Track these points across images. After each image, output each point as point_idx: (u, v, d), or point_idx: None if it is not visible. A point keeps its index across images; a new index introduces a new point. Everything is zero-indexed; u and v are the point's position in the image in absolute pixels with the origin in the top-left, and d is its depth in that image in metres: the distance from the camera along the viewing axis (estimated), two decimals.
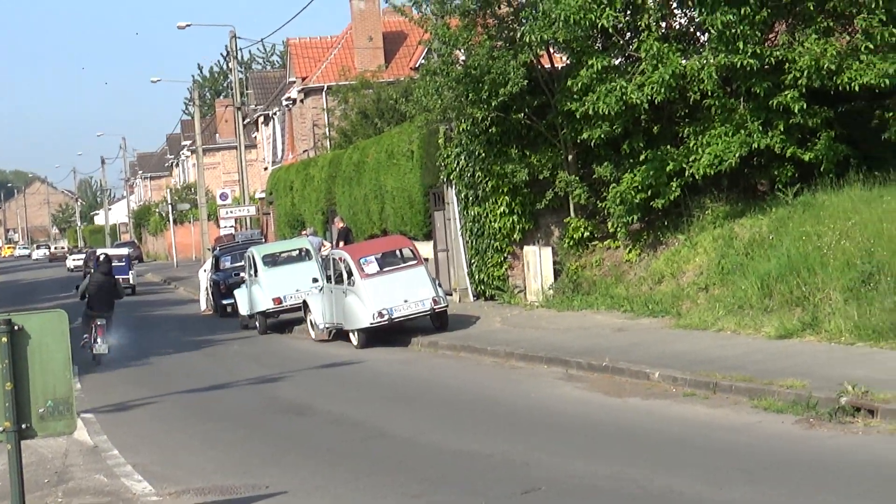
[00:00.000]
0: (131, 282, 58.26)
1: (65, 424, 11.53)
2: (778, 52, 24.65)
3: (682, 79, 25.19)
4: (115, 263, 35.99)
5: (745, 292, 22.13)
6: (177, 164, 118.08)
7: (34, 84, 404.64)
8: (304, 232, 43.06)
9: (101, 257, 31.30)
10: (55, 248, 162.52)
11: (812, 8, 24.52)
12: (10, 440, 11.22)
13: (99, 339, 27.39)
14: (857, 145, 25.51)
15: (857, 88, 24.00)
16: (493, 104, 28.40)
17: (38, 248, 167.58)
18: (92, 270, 31.55)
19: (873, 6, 23.78)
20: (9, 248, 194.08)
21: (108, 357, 27.72)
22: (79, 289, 28.71)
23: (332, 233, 41.70)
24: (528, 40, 26.88)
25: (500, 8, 29.62)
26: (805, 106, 24.43)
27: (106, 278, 28.78)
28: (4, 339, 11.19)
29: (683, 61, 25.28)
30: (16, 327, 11.28)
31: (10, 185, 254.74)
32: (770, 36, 25.96)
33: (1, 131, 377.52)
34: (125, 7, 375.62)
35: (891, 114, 24.82)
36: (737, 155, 24.69)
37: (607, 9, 25.50)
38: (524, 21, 27.97)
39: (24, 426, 11.26)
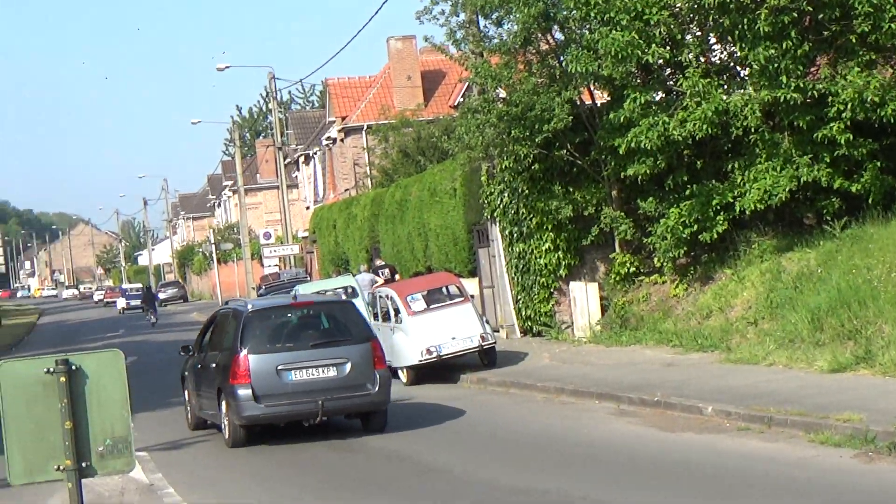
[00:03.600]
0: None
1: (123, 462, 11.58)
2: (821, 86, 24.60)
3: (724, 114, 25.18)
4: None
5: (796, 326, 22.04)
6: (219, 205, 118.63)
7: (76, 128, 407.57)
8: (362, 267, 43.06)
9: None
10: (84, 288, 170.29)
11: (854, 41, 24.46)
12: (70, 479, 11.28)
13: None
14: None
15: None
16: (536, 141, 28.44)
17: (67, 288, 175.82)
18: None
19: None
20: (38, 290, 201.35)
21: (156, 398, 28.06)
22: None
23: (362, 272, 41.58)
24: (572, 70, 26.90)
25: (541, 45, 29.70)
26: (851, 138, 24.37)
27: None
28: (63, 379, 11.27)
29: (725, 97, 25.27)
30: (73, 367, 11.36)
31: (54, 227, 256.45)
32: (812, 69, 25.92)
33: (44, 175, 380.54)
34: (165, 50, 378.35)
35: None
36: (786, 189, 24.64)
37: (653, 45, 25.56)
38: (566, 57, 28.02)
39: (83, 465, 11.32)
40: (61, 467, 11.25)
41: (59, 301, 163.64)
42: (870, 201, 24.79)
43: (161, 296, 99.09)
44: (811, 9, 24.37)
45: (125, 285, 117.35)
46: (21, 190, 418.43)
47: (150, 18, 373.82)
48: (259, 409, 19.84)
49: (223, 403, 20.47)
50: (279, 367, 20.09)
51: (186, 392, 23.55)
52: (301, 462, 18.78)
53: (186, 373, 23.56)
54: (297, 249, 63.67)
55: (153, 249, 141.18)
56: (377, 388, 20.39)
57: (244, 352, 20.05)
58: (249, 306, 21.57)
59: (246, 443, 20.32)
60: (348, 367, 20.32)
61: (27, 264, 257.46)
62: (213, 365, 21.34)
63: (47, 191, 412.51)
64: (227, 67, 63.89)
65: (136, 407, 23.68)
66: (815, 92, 24.60)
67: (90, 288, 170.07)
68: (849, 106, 23.98)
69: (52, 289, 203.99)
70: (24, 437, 11.20)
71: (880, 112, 24.01)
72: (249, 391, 19.83)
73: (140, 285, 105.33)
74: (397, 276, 37.64)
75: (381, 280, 36.44)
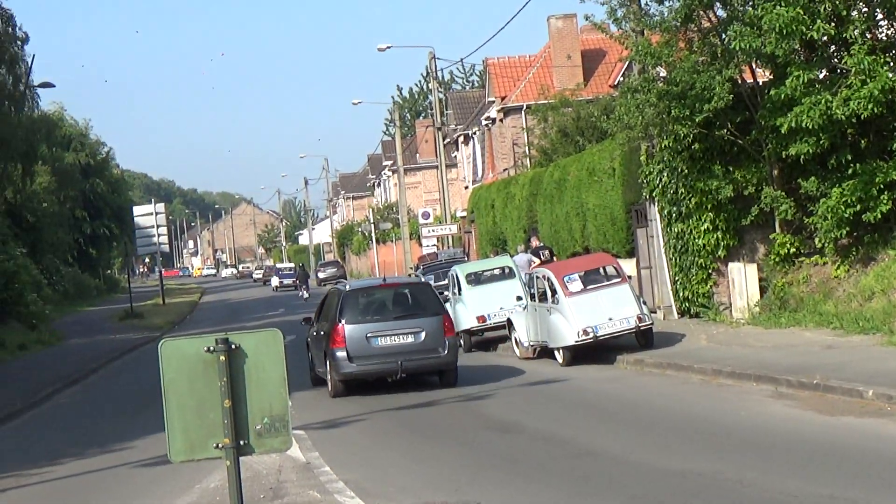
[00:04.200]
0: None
1: (281, 441, 11.72)
2: None
3: (891, 93, 24.65)
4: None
5: None
6: (378, 184, 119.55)
7: (240, 110, 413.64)
8: (520, 248, 43.11)
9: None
10: (242, 267, 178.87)
11: None
12: (228, 456, 11.46)
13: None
14: None
15: None
16: (696, 120, 28.15)
17: (226, 267, 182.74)
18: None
19: None
20: (198, 269, 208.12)
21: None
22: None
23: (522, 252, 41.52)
24: (734, 47, 26.55)
25: (703, 22, 29.37)
26: None
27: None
28: (223, 358, 11.43)
29: (891, 75, 24.73)
30: (233, 346, 11.52)
31: (217, 206, 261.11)
32: None
33: (208, 155, 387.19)
34: (328, 29, 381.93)
35: None
36: None
37: (818, 20, 25.12)
38: (727, 34, 27.69)
39: (241, 443, 11.48)
40: (220, 445, 11.42)
41: (219, 280, 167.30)
42: None
43: (320, 275, 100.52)
44: None
45: (279, 265, 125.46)
46: (185, 169, 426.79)
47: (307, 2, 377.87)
48: (352, 367, 25.14)
49: (327, 363, 25.66)
50: (368, 335, 25.31)
51: (309, 355, 28.51)
52: (460, 442, 18.87)
53: (309, 340, 28.69)
54: (455, 229, 63.92)
55: (313, 229, 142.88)
56: (447, 352, 25.45)
57: (342, 322, 25.38)
58: (347, 287, 27.07)
59: (345, 394, 25.38)
60: (423, 335, 25.46)
61: (190, 243, 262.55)
62: (322, 333, 26.54)
63: (211, 170, 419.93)
64: (388, 47, 64.21)
65: (293, 386, 24.13)
66: None
67: (248, 267, 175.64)
68: None
69: (212, 268, 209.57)
70: (185, 414, 11.39)
71: None
72: (345, 353, 25.12)
73: (292, 264, 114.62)
74: (554, 258, 37.55)
75: (538, 261, 36.42)
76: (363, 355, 25.13)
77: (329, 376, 25.73)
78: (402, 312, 26.22)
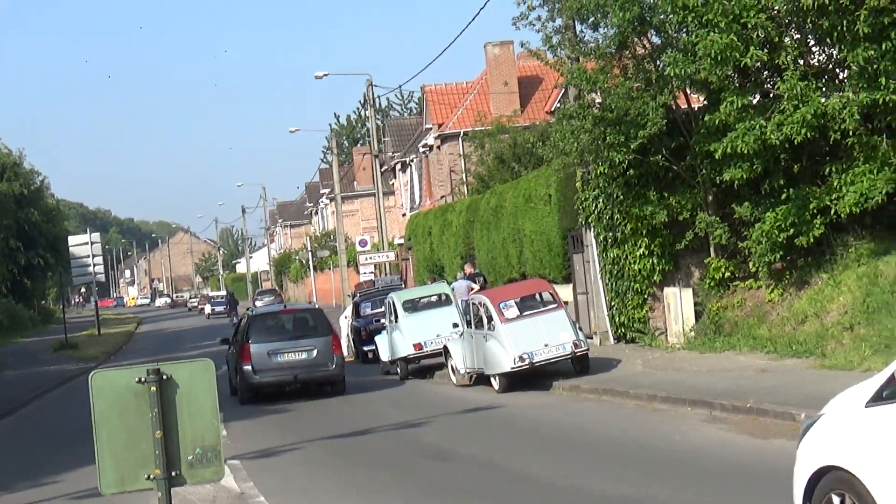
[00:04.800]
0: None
1: (213, 471, 11.63)
2: None
3: (822, 118, 24.86)
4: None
5: (892, 331, 21.74)
6: (316, 212, 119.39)
7: (176, 137, 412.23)
8: (459, 274, 43.14)
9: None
10: (176, 296, 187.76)
11: None
12: (160, 488, 11.36)
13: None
14: None
15: None
16: (631, 146, 28.29)
17: (160, 296, 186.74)
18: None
19: None
20: (132, 299, 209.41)
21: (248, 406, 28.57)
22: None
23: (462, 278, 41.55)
24: (669, 73, 26.72)
25: (637, 49, 29.54)
26: None
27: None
28: (154, 389, 11.34)
29: (823, 100, 24.96)
30: (164, 377, 11.44)
31: (154, 235, 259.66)
32: None
33: (145, 184, 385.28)
34: (263, 62, 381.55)
35: None
36: (882, 192, 24.29)
37: (752, 47, 25.34)
38: (662, 61, 27.88)
39: (173, 473, 11.38)
40: (151, 476, 11.33)
41: (154, 310, 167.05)
42: None
43: (258, 303, 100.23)
44: None
45: (212, 293, 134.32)
46: (122, 198, 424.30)
47: (246, 30, 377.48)
48: (256, 378, 30.46)
49: (238, 376, 31.06)
50: (269, 352, 30.54)
51: (227, 369, 33.74)
52: (397, 470, 18.81)
53: (227, 357, 34.53)
54: (393, 256, 63.85)
55: (251, 257, 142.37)
56: (335, 366, 30.80)
57: (249, 342, 30.76)
58: (253, 312, 33.95)
59: (251, 402, 30.33)
60: (315, 352, 30.76)
61: (127, 273, 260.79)
62: (235, 351, 32.14)
63: (148, 199, 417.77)
64: (325, 75, 64.18)
65: (227, 415, 23.93)
66: None
67: (182, 296, 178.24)
68: None
69: (146, 297, 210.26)
70: (116, 446, 11.28)
71: None
72: (251, 367, 30.37)
73: (224, 292, 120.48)
74: (486, 285, 37.64)
75: (477, 287, 36.48)
76: (265, 369, 30.46)
77: (239, 386, 31.25)
78: (298, 333, 31.60)
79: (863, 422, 9.40)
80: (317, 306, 40.71)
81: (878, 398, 9.40)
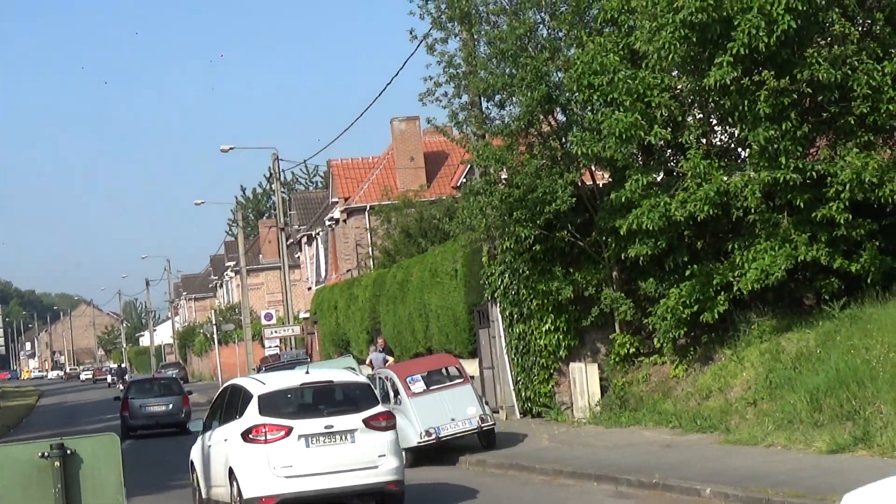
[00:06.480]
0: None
1: None
2: (820, 166, 24.71)
3: (725, 195, 25.24)
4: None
5: (794, 407, 21.97)
6: (221, 285, 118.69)
7: (79, 209, 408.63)
8: (371, 348, 43.08)
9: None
10: (70, 369, 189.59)
11: (853, 122, 24.63)
12: None
13: None
14: None
15: None
16: (537, 222, 28.51)
17: (52, 369, 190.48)
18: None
19: None
20: (26, 371, 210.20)
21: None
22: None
23: (376, 351, 41.65)
24: (575, 151, 27.02)
25: (543, 127, 29.85)
26: (849, 218, 24.41)
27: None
28: (57, 464, 11.24)
29: (726, 178, 25.34)
30: (68, 451, 11.33)
31: (56, 308, 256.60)
32: (812, 150, 26.04)
33: (46, 256, 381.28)
34: (171, 132, 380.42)
35: None
36: (782, 269, 24.64)
37: (656, 126, 25.71)
38: (568, 139, 28.21)
39: None
40: None
41: (47, 382, 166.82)
42: (868, 281, 24.81)
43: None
44: (811, 91, 24.54)
45: (108, 366, 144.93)
46: (23, 270, 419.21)
47: (156, 100, 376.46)
48: (131, 422, 45.45)
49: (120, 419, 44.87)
50: (140, 405, 45.78)
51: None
52: None
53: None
54: (299, 330, 63.60)
55: (155, 330, 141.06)
56: (183, 415, 43.24)
57: (127, 397, 46.50)
58: (132, 378, 46.71)
59: (133, 438, 42.18)
60: (171, 405, 45.33)
61: (28, 345, 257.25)
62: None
63: (50, 272, 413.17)
64: (231, 149, 64.10)
65: (132, 490, 23.65)
66: (814, 173, 24.68)
67: (76, 369, 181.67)
68: (847, 186, 24.05)
69: (40, 371, 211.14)
70: None
71: (878, 192, 24.10)
72: (128, 415, 45.59)
73: (116, 365, 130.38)
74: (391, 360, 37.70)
75: (391, 359, 36.56)
76: (137, 416, 45.24)
77: (121, 426, 44.26)
78: (160, 392, 46.19)
79: None
80: (174, 375, 59.69)
81: None
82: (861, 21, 25.29)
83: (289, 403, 19.40)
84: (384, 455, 19.14)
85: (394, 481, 19.21)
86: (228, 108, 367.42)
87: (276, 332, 62.90)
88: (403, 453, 27.05)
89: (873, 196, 24.22)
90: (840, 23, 24.13)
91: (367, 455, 18.97)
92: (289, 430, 18.51)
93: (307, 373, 20.33)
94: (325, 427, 18.73)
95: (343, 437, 18.85)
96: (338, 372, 22.59)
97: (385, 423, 19.49)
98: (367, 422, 19.12)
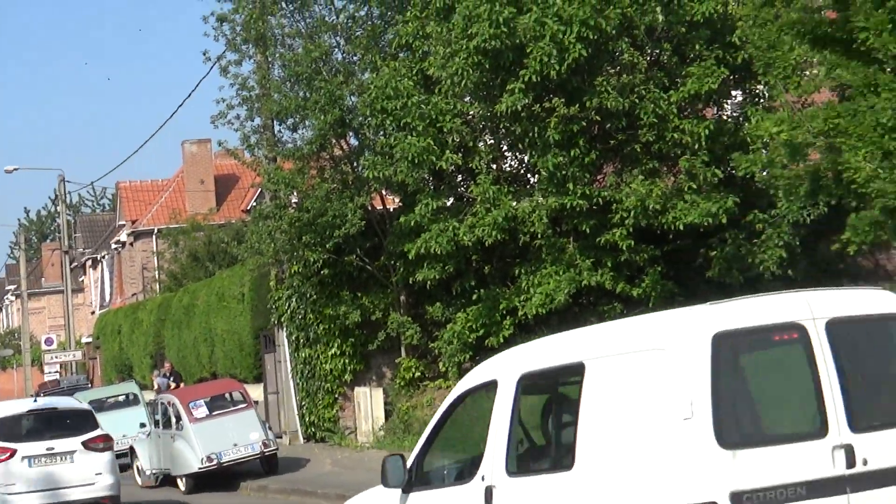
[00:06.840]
0: None
1: None
2: (606, 193, 24.87)
3: (513, 220, 25.27)
4: None
5: None
6: (0, 310, 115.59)
7: None
8: (155, 372, 42.25)
9: None
10: None
11: (638, 150, 24.88)
12: None
13: None
14: (682, 283, 25.74)
15: (681, 227, 24.22)
16: (327, 246, 28.26)
17: None
18: None
19: (696, 148, 24.17)
20: None
21: None
22: None
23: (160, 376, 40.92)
24: (367, 175, 26.81)
25: (335, 150, 29.64)
26: (633, 244, 24.63)
27: None
28: None
29: (515, 203, 25.38)
30: None
31: None
32: (599, 177, 26.26)
33: None
34: None
35: (714, 252, 25.06)
36: (566, 293, 24.69)
37: (447, 151, 25.64)
38: (360, 163, 28.04)
39: None
40: None
41: None
42: (650, 305, 25.02)
43: None
44: (599, 118, 24.69)
45: None
46: None
47: None
48: None
49: None
50: None
51: None
52: None
53: None
54: (80, 355, 62.16)
55: None
56: None
57: None
58: None
59: None
60: None
61: None
62: None
63: None
64: (15, 169, 62.46)
65: None
66: (600, 199, 24.83)
67: None
68: (632, 213, 24.22)
69: None
70: None
71: (661, 219, 24.32)
72: None
73: None
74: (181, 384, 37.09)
75: (174, 385, 35.97)
76: None
77: None
78: None
79: None
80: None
81: None
82: (649, 51, 25.56)
83: (15, 428, 21.63)
84: (101, 473, 21.59)
85: (109, 497, 21.76)
86: (11, 126, 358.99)
87: (56, 357, 61.33)
88: (184, 478, 26.72)
89: (656, 223, 24.44)
90: (629, 52, 24.35)
91: (85, 473, 21.40)
92: (13, 452, 20.91)
93: (35, 401, 23.66)
94: (47, 449, 21.21)
95: (63, 458, 21.29)
96: (63, 399, 26.04)
97: (102, 445, 21.98)
98: (85, 444, 21.58)
